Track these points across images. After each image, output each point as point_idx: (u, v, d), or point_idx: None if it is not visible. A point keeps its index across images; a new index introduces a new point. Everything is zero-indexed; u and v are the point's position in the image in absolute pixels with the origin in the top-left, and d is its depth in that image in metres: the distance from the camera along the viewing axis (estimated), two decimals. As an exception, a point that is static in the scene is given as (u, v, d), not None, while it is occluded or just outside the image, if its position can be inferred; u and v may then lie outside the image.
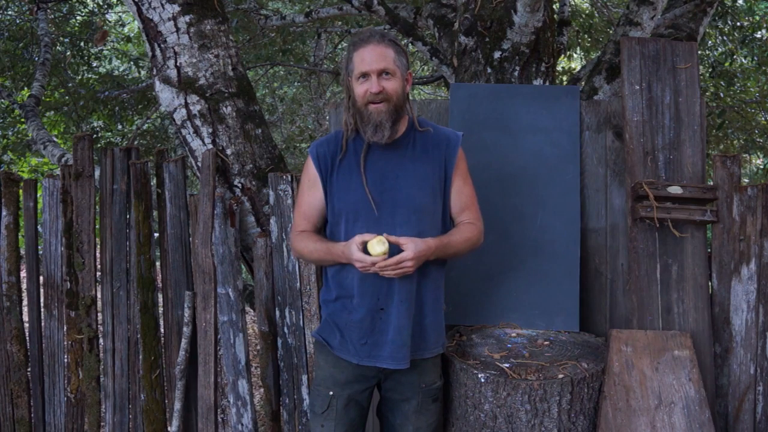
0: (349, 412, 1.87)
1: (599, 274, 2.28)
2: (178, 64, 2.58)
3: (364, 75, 1.76)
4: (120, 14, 7.47)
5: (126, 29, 7.69)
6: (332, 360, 1.88)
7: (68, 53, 5.83)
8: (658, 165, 2.11)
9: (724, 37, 5.65)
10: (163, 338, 2.58)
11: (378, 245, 1.68)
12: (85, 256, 2.60)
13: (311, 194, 1.88)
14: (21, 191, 2.71)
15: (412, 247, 1.70)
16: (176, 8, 2.57)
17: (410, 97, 1.93)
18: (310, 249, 1.86)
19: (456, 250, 1.84)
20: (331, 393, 1.87)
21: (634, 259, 2.09)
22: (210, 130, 2.59)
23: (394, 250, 1.72)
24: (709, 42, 5.86)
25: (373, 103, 1.76)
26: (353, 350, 1.83)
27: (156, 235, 2.56)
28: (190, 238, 2.49)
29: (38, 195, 2.76)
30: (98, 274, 2.63)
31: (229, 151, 2.60)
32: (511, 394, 1.82)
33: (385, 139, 1.78)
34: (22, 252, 2.80)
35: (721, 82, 5.37)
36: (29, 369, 2.71)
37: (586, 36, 6.24)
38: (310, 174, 1.88)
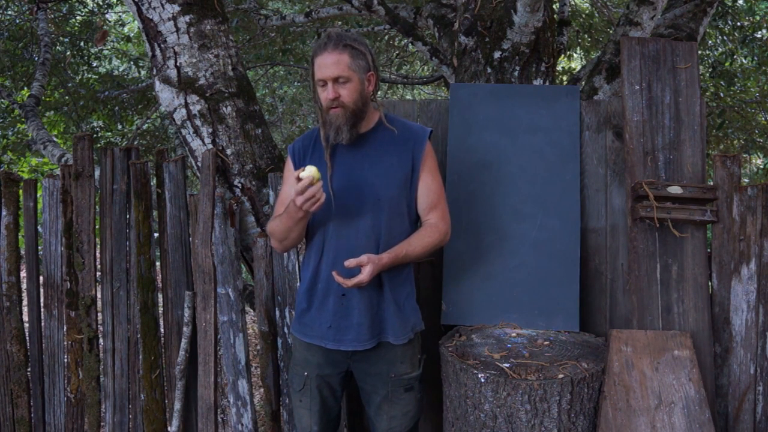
0: (322, 392, 1.98)
1: (599, 274, 2.28)
2: (178, 64, 2.58)
3: (322, 82, 1.84)
4: (120, 14, 7.47)
5: (126, 29, 7.69)
6: (305, 344, 1.98)
7: (68, 53, 5.83)
8: (658, 165, 2.11)
9: (724, 37, 5.66)
10: (163, 338, 2.58)
11: (309, 171, 1.75)
12: (85, 256, 2.60)
13: (288, 185, 1.98)
14: (21, 191, 2.71)
15: (368, 270, 1.79)
16: (176, 8, 2.57)
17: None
18: (277, 221, 1.92)
19: (415, 257, 1.92)
20: (305, 373, 1.98)
21: (634, 259, 2.09)
22: (210, 130, 2.59)
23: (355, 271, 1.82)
24: (709, 42, 5.86)
25: (332, 108, 1.84)
26: (320, 335, 1.92)
27: (156, 235, 2.56)
28: (190, 238, 2.49)
29: (38, 195, 2.76)
30: (98, 274, 2.63)
31: (229, 151, 2.60)
32: (511, 394, 1.82)
33: (344, 141, 1.87)
34: (22, 252, 2.80)
35: (721, 82, 5.37)
36: (29, 369, 2.71)
37: (586, 36, 6.24)
38: (288, 167, 2.01)
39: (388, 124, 1.94)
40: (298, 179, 1.74)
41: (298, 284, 2.33)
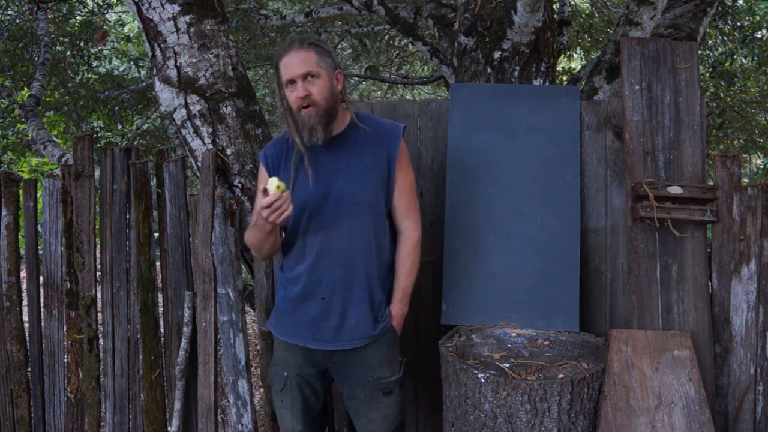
0: (303, 391, 1.98)
1: (599, 274, 2.28)
2: (178, 64, 2.58)
3: (291, 81, 1.83)
4: (120, 14, 7.47)
5: (126, 29, 7.69)
6: (284, 344, 1.98)
7: (68, 53, 5.83)
8: (658, 165, 2.11)
9: (724, 37, 5.65)
10: (163, 338, 2.58)
11: (272, 184, 1.72)
12: (85, 256, 2.60)
13: (264, 194, 1.94)
14: (21, 191, 2.71)
15: (396, 322, 1.95)
16: (176, 8, 2.57)
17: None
18: (251, 232, 1.92)
19: (413, 281, 1.99)
20: (285, 374, 1.98)
21: (634, 259, 2.09)
22: (210, 130, 2.59)
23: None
24: (709, 42, 5.86)
25: (304, 107, 1.82)
26: (300, 334, 1.93)
27: (156, 235, 2.56)
28: (190, 238, 2.49)
29: (38, 195, 2.76)
30: (98, 274, 2.63)
31: (229, 151, 2.60)
32: (511, 394, 1.83)
33: (320, 141, 1.85)
34: (22, 252, 2.80)
35: (721, 82, 5.38)
36: (29, 369, 2.71)
37: (586, 36, 6.24)
38: (262, 174, 1.98)
39: (360, 123, 1.93)
40: (264, 192, 1.72)
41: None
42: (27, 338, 2.70)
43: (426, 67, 8.03)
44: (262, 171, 1.99)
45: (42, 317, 2.70)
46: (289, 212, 1.74)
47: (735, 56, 5.61)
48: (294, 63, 1.81)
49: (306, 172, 1.89)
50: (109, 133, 6.49)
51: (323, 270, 1.88)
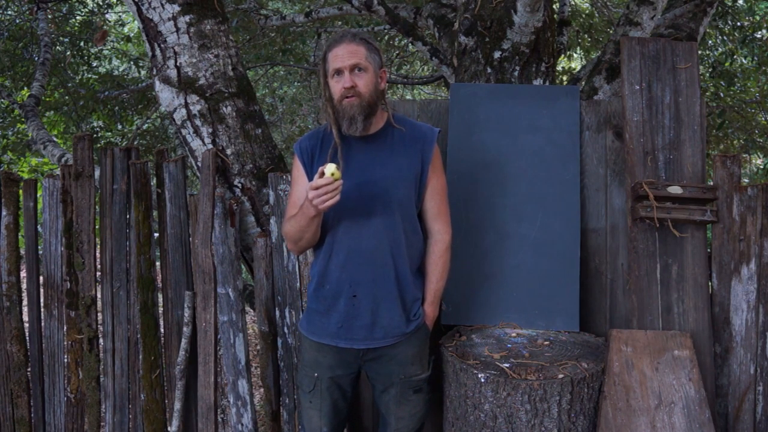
0: (332, 393, 1.97)
1: (599, 274, 2.28)
2: (178, 64, 2.58)
3: (338, 72, 1.84)
4: (120, 14, 7.47)
5: (126, 29, 7.69)
6: (315, 345, 1.96)
7: (68, 53, 5.83)
8: (658, 165, 2.11)
9: (724, 37, 5.65)
10: (163, 338, 2.58)
11: (330, 169, 1.70)
12: (85, 256, 2.60)
13: (299, 185, 1.96)
14: (21, 191, 2.71)
15: (428, 323, 1.98)
16: (176, 8, 2.57)
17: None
18: (291, 222, 1.90)
19: (444, 283, 2.00)
20: (316, 374, 1.96)
21: (634, 259, 2.09)
22: (210, 130, 2.59)
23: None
24: (709, 42, 5.86)
25: (347, 97, 1.83)
26: (332, 334, 1.91)
27: (156, 235, 2.56)
28: (190, 238, 2.49)
29: (38, 195, 2.76)
30: (98, 274, 2.63)
31: (229, 151, 2.60)
32: (511, 394, 1.83)
33: (358, 131, 1.85)
34: (22, 252, 2.80)
35: (721, 82, 5.37)
36: (29, 369, 2.71)
37: (586, 36, 6.24)
38: (297, 166, 1.98)
39: (397, 124, 1.93)
40: (322, 174, 1.70)
41: (298, 283, 2.34)
42: (27, 338, 2.70)
43: (426, 67, 8.03)
44: (297, 163, 1.97)
45: (42, 317, 2.70)
46: (335, 201, 1.72)
47: (735, 56, 5.61)
48: (344, 54, 1.82)
49: (342, 162, 1.89)
50: (109, 133, 6.49)
51: (354, 267, 1.87)
